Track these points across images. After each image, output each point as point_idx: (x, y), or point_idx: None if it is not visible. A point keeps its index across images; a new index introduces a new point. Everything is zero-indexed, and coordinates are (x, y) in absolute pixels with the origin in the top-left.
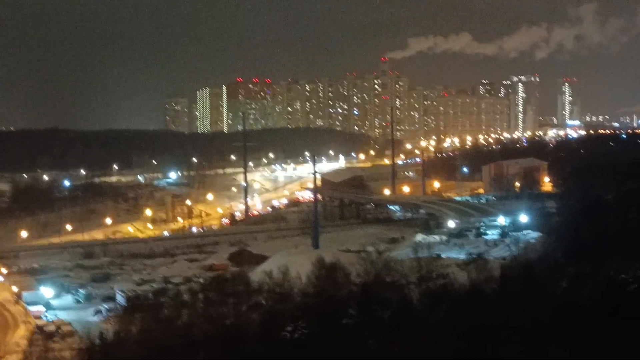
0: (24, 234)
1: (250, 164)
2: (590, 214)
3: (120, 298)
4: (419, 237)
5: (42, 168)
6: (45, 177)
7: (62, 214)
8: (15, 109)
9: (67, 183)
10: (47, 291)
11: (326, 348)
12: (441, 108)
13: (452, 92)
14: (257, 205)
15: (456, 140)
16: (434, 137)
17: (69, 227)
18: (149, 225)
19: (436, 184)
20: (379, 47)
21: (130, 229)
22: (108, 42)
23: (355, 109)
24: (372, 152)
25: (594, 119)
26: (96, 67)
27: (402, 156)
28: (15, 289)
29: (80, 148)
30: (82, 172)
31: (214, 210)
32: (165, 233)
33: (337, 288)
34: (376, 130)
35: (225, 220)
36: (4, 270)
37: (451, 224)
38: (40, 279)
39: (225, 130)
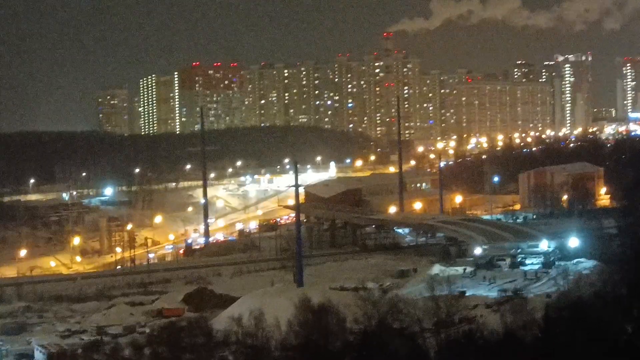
0: None
1: (212, 175)
2: None
3: (39, 355)
4: (436, 269)
5: None
6: None
7: None
8: None
9: None
10: None
11: None
12: (463, 98)
13: (478, 78)
14: (220, 229)
15: (484, 140)
16: (454, 136)
17: None
18: (78, 259)
19: (458, 199)
20: (380, 19)
21: (52, 264)
22: (21, 28)
23: (349, 100)
24: (372, 157)
25: None
26: (5, 56)
27: (412, 162)
28: None
29: None
30: None
31: (164, 236)
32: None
33: (329, 338)
34: (377, 128)
35: (171, 248)
36: None
37: (478, 251)
38: None
39: (178, 130)
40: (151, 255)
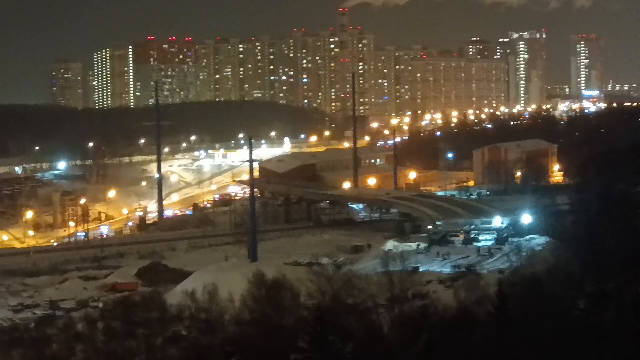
0: None
1: (166, 149)
2: (615, 213)
3: None
4: (390, 244)
5: None
6: None
7: None
8: None
9: None
10: None
11: None
12: (418, 74)
13: (433, 54)
14: (174, 204)
15: (438, 116)
16: (408, 112)
17: None
18: (30, 233)
19: (412, 175)
20: None
21: (5, 238)
22: None
23: (304, 75)
24: (327, 133)
25: (617, 88)
26: None
27: (367, 138)
28: None
29: None
30: None
31: (118, 211)
32: (53, 242)
33: (283, 313)
34: (332, 104)
35: (131, 224)
36: None
37: (432, 227)
38: None
39: (132, 104)
40: (104, 228)
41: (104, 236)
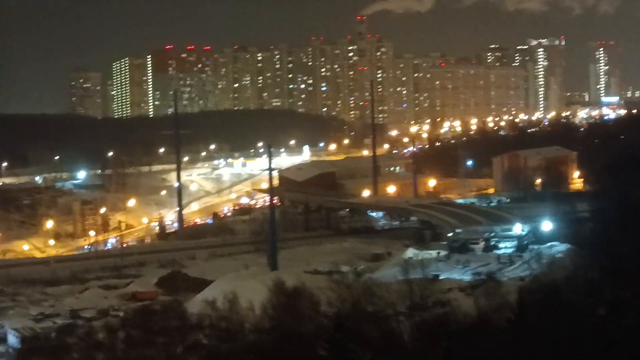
0: None
1: (185, 158)
2: (634, 220)
3: (12, 339)
4: (410, 252)
5: None
6: None
7: None
8: None
9: None
10: None
11: None
12: (437, 82)
13: (452, 61)
14: (194, 213)
15: (457, 124)
16: (427, 120)
17: None
18: (51, 242)
19: (432, 182)
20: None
21: (25, 247)
22: None
23: (323, 84)
24: (346, 141)
25: (637, 94)
26: None
27: (386, 146)
28: None
29: None
30: None
31: (138, 220)
32: (73, 252)
33: (302, 321)
34: (351, 112)
35: (151, 234)
36: None
37: (452, 234)
38: None
39: (151, 113)
40: (112, 240)
41: (124, 245)
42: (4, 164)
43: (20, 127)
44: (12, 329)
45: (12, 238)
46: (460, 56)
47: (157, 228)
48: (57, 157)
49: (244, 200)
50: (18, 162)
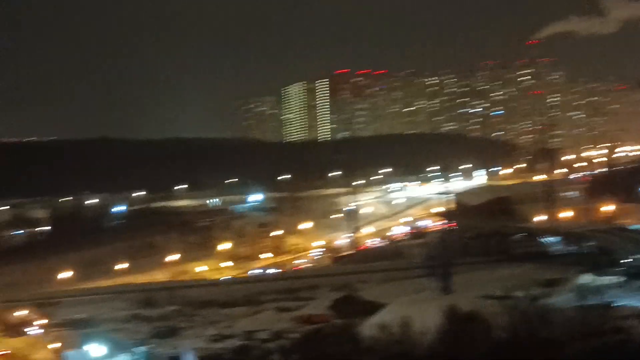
0: (65, 274)
1: (359, 181)
2: None
3: (190, 358)
4: (586, 278)
5: (88, 189)
6: (92, 201)
7: (114, 249)
8: (56, 115)
9: (119, 209)
10: (95, 349)
11: None
12: (612, 106)
13: (624, 87)
14: (367, 236)
15: (636, 148)
16: (604, 144)
17: (122, 266)
18: (227, 264)
19: (609, 208)
20: (522, 25)
21: (201, 269)
22: (169, 35)
23: (496, 108)
24: (520, 165)
25: None
26: (155, 63)
27: (561, 170)
28: (55, 346)
29: (135, 162)
30: (138, 193)
31: (311, 242)
32: (249, 273)
33: (475, 347)
34: (525, 136)
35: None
36: (42, 322)
37: (630, 260)
38: (87, 333)
39: (326, 137)
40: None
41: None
42: (181, 187)
43: (195, 151)
44: (189, 349)
45: (188, 260)
46: (634, 80)
47: (330, 251)
48: (231, 180)
49: (419, 224)
50: (194, 184)
